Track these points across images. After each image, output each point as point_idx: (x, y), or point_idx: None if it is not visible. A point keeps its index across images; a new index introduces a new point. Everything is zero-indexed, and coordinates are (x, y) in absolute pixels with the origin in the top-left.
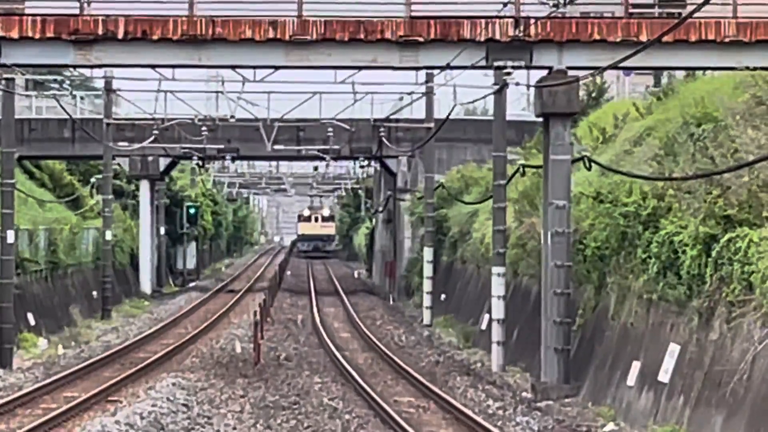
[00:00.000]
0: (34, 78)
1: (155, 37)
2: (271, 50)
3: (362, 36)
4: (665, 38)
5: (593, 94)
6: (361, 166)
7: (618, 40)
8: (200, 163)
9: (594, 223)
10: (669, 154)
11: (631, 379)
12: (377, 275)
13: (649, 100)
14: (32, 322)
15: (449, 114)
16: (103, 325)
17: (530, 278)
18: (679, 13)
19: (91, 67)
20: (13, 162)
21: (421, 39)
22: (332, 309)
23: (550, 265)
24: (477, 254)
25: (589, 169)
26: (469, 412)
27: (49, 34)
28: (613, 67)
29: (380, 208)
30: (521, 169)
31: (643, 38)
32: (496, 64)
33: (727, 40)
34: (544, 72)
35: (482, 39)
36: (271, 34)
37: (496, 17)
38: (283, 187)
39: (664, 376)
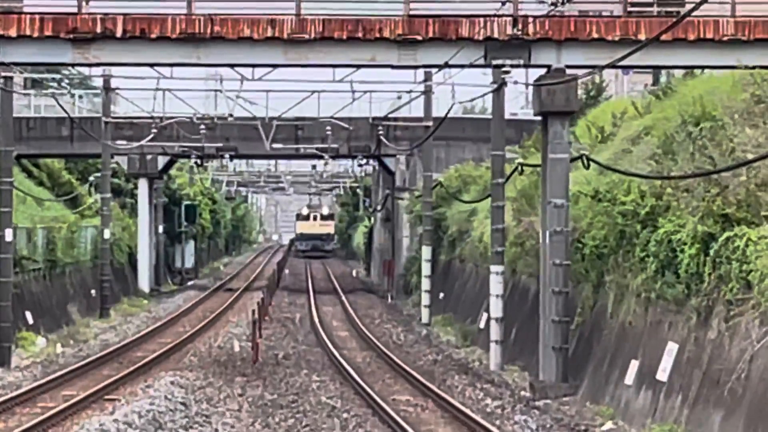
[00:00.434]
0: (32, 76)
1: (153, 36)
2: (270, 49)
3: (360, 34)
4: (664, 37)
5: (592, 93)
6: (360, 165)
7: (616, 38)
8: (199, 161)
9: (592, 222)
10: (667, 152)
11: (630, 378)
12: (376, 274)
13: (648, 99)
14: (30, 320)
15: (448, 112)
16: (101, 324)
17: (529, 277)
18: (678, 12)
19: (90, 65)
20: (12, 160)
21: (419, 37)
22: (330, 308)
23: (549, 263)
24: (475, 253)
25: (587, 167)
26: (468, 411)
27: (48, 33)
28: (612, 65)
29: (379, 207)
30: (519, 168)
31: (642, 37)
32: (494, 62)
33: (725, 38)
34: (543, 71)
35: (481, 37)
36: (269, 33)
37: (495, 16)
38: (281, 185)
39: (662, 374)
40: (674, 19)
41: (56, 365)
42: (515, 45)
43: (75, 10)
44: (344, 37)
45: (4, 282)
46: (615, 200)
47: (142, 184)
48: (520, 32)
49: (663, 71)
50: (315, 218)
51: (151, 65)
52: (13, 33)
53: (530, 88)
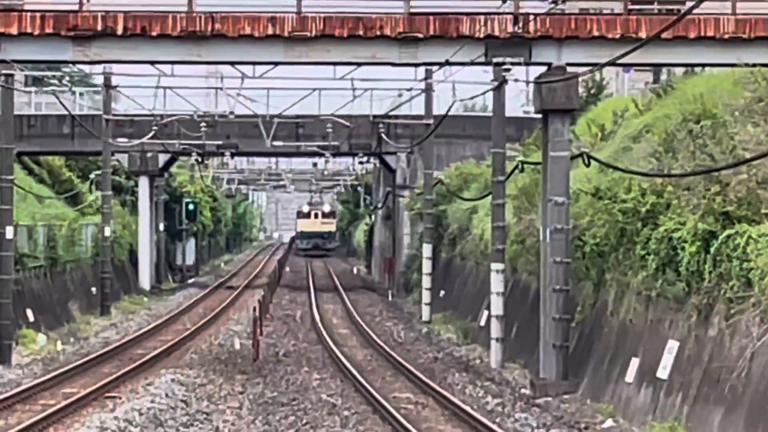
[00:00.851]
0: (33, 74)
1: (154, 34)
2: (271, 46)
3: (361, 32)
4: (664, 35)
5: (592, 91)
6: (361, 163)
7: (617, 36)
8: (199, 159)
9: (593, 220)
10: (668, 150)
11: (630, 376)
12: (376, 272)
13: (648, 97)
14: (31, 318)
15: (448, 110)
16: (102, 321)
17: (529, 275)
18: (678, 10)
19: (90, 63)
20: (12, 158)
21: (420, 35)
22: (331, 305)
23: (549, 261)
24: (476, 251)
25: (588, 165)
26: (468, 409)
27: (48, 30)
28: (612, 63)
29: (379, 205)
30: (520, 166)
31: (642, 35)
32: (495, 60)
33: (726, 36)
34: (543, 68)
35: (481, 35)
36: (270, 31)
37: (495, 13)
38: (282, 183)
39: (662, 372)
40: (675, 17)
41: (57, 363)
42: (516, 43)
43: (76, 7)
44: (345, 34)
45: (4, 279)
46: (615, 198)
47: (143, 182)
48: (520, 30)
49: (663, 69)
50: (316, 216)
51: (152, 63)
52: (14, 30)
53: (531, 86)
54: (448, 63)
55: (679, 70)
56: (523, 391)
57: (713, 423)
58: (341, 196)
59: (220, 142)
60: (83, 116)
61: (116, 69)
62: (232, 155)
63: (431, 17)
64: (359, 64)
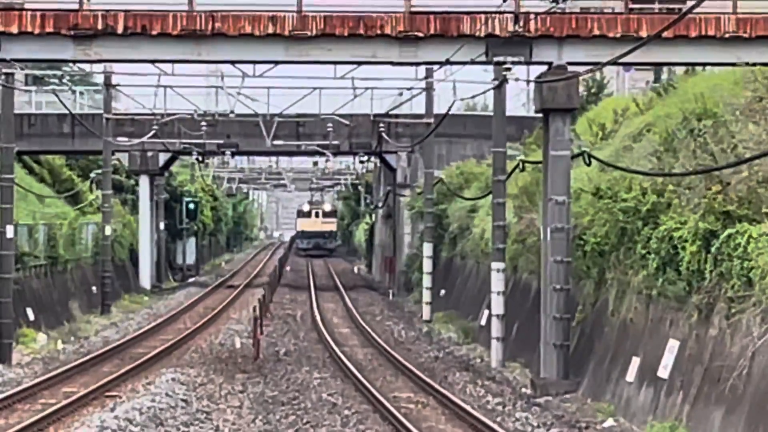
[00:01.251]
0: (33, 73)
1: (155, 32)
2: (271, 45)
3: (362, 31)
4: (665, 34)
5: (593, 90)
6: (361, 162)
7: (618, 35)
8: (200, 158)
9: (593, 219)
10: (669, 149)
11: (631, 375)
12: (377, 271)
13: (649, 96)
14: (31, 317)
15: (449, 109)
16: (102, 321)
17: (530, 274)
18: (679, 9)
19: (91, 62)
20: (13, 157)
21: (420, 34)
22: (332, 304)
23: (550, 260)
24: (476, 250)
25: (588, 164)
26: (469, 408)
27: (49, 29)
28: (613, 62)
29: (380, 204)
30: (521, 165)
31: (643, 34)
32: (495, 59)
33: (727, 35)
34: (544, 67)
35: (482, 34)
36: (270, 30)
37: (496, 13)
38: (282, 182)
39: (663, 371)
40: (675, 16)
41: (57, 362)
42: (516, 42)
43: (76, 6)
44: (345, 33)
45: (5, 278)
46: (616, 197)
47: (144, 181)
48: (521, 29)
49: (664, 68)
50: (317, 215)
51: (152, 62)
52: (14, 29)
53: (532, 85)
54: (448, 62)
55: (680, 70)
56: (523, 390)
57: (714, 422)
58: (341, 195)
59: (221, 141)
60: (84, 115)
61: (117, 68)
62: (233, 154)
63: (432, 16)
64: (360, 63)
